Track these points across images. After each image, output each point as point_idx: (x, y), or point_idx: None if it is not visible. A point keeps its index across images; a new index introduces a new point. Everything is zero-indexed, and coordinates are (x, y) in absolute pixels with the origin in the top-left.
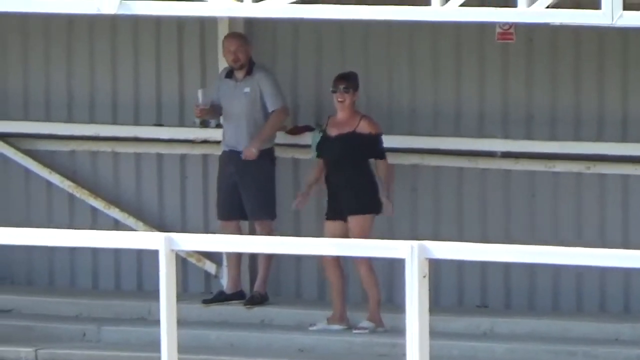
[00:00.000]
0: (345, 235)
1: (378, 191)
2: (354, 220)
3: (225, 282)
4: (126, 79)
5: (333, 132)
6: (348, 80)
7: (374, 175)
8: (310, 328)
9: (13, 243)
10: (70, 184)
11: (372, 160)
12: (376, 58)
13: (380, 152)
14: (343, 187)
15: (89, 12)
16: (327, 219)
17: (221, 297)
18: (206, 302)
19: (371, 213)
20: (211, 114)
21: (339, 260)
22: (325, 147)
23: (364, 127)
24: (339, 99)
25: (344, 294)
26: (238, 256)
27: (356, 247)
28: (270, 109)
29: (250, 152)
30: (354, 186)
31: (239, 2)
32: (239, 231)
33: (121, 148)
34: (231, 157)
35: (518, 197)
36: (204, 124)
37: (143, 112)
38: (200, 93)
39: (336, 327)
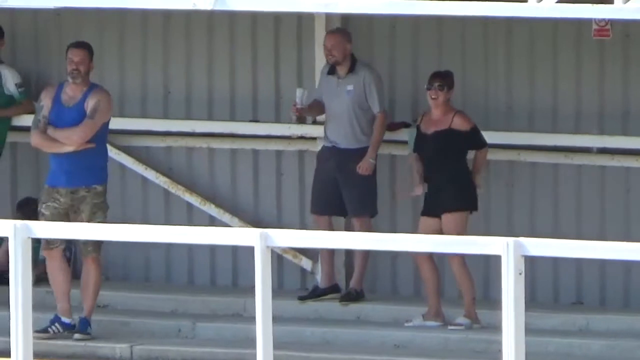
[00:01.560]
0: (440, 232)
1: (475, 188)
2: (449, 217)
3: (319, 278)
4: (222, 74)
5: (429, 129)
6: (443, 78)
7: (469, 172)
8: (406, 324)
9: (109, 239)
10: (166, 180)
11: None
12: (473, 54)
13: (482, 143)
14: (440, 184)
15: (185, 8)
16: (423, 214)
17: (316, 293)
18: (302, 298)
19: (466, 210)
20: (309, 112)
21: (432, 257)
22: (421, 144)
23: (458, 124)
24: (433, 96)
25: (438, 290)
26: (331, 252)
27: (452, 244)
28: (375, 110)
29: (368, 164)
30: (450, 183)
31: None
32: (331, 226)
33: (217, 144)
34: (332, 153)
35: (613, 193)
36: (301, 120)
37: (239, 108)
38: (298, 92)
39: (432, 323)
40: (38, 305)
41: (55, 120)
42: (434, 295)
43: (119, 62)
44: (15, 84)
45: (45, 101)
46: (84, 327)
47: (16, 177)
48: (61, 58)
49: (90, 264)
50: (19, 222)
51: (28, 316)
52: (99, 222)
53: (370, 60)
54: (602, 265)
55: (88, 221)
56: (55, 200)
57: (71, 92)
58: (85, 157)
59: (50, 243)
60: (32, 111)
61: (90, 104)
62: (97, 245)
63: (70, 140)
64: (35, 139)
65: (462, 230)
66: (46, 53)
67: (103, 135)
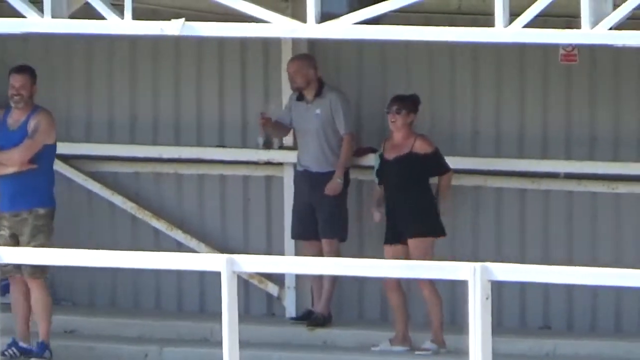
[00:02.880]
0: (406, 258)
1: (438, 213)
2: (415, 243)
3: (289, 305)
4: (189, 100)
5: (391, 154)
6: (401, 101)
7: (433, 197)
8: (373, 349)
9: (76, 264)
10: (133, 205)
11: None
12: (439, 80)
13: (444, 167)
14: (403, 209)
15: (153, 34)
16: (387, 243)
17: (319, 321)
18: (310, 326)
19: (432, 236)
20: (273, 130)
21: (399, 282)
22: (384, 170)
23: (419, 147)
24: (392, 120)
25: (405, 315)
26: (318, 277)
27: (419, 269)
28: (342, 132)
29: (336, 184)
30: (414, 208)
31: (302, 23)
32: (320, 251)
33: (184, 170)
34: (305, 177)
35: (580, 218)
36: (267, 145)
37: (206, 133)
38: (270, 102)
39: (399, 348)
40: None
41: (1, 143)
42: (402, 321)
43: (85, 87)
44: None
45: None
46: (41, 351)
47: None
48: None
49: (35, 287)
50: None
51: None
52: (38, 245)
53: (338, 86)
54: (570, 289)
55: (27, 244)
56: (2, 227)
57: (16, 116)
58: (28, 179)
59: (5, 271)
60: None
61: (31, 125)
62: (41, 268)
63: (12, 161)
64: None
65: (428, 256)
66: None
67: (48, 158)
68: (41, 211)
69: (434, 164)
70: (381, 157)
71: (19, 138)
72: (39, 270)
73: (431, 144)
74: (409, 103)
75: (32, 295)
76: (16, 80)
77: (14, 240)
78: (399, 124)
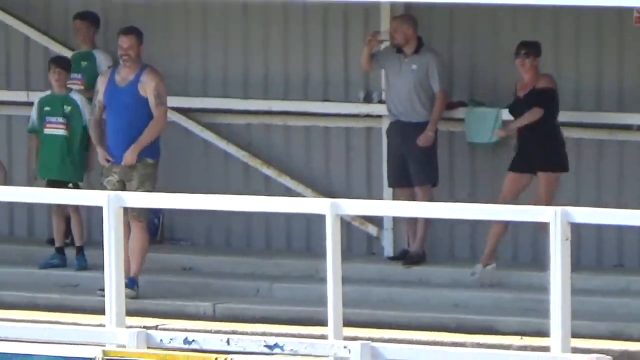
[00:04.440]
0: (526, 187)
1: (564, 149)
2: (544, 177)
3: (387, 245)
4: (297, 59)
5: (521, 93)
6: (528, 47)
7: (560, 133)
8: (471, 277)
9: (194, 208)
10: (245, 154)
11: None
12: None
13: (542, 102)
14: (533, 143)
15: None
16: (512, 170)
17: (414, 259)
18: (406, 264)
19: (560, 172)
20: (369, 54)
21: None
22: (516, 107)
23: (541, 83)
24: (521, 63)
25: (499, 238)
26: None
27: (503, 212)
28: (435, 89)
29: (429, 137)
30: (542, 143)
31: None
32: (412, 197)
33: (292, 121)
34: (396, 127)
35: None
36: (367, 100)
37: (312, 89)
38: (381, 32)
39: (492, 266)
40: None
41: (109, 100)
42: (493, 239)
43: (202, 45)
44: (108, 67)
45: (100, 86)
46: (131, 284)
47: None
48: (147, 43)
49: (137, 228)
50: (112, 193)
51: (120, 278)
52: (145, 191)
53: (430, 44)
54: None
55: (136, 189)
56: (111, 173)
57: (124, 74)
58: (138, 134)
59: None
60: None
61: (149, 90)
62: (145, 213)
63: (159, 127)
64: (90, 126)
65: (555, 191)
66: None
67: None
68: (149, 161)
69: (541, 97)
70: (515, 96)
71: (127, 94)
72: (143, 214)
73: (552, 81)
74: (533, 48)
75: (135, 237)
76: (124, 42)
77: (121, 186)
78: (527, 66)
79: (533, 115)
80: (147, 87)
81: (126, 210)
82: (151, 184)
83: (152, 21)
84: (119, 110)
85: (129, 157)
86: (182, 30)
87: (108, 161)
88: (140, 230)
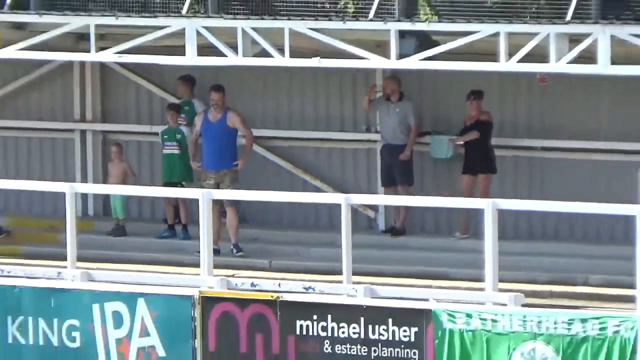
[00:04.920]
0: (475, 184)
1: (495, 160)
2: (483, 177)
3: (380, 222)
4: (322, 103)
5: (468, 122)
6: (475, 93)
7: (492, 150)
8: (453, 239)
9: (259, 199)
10: (289, 164)
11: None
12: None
13: (480, 128)
14: (475, 155)
15: (311, 65)
16: (464, 172)
17: (396, 231)
18: (394, 235)
19: (492, 174)
20: (369, 100)
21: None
22: (464, 132)
23: (483, 117)
24: (469, 104)
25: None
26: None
27: (450, 202)
28: (411, 124)
29: (407, 155)
30: (482, 155)
31: (387, 59)
32: (395, 192)
33: (319, 144)
34: (386, 148)
35: None
36: (368, 130)
37: (332, 123)
38: (375, 86)
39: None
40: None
41: (205, 131)
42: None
43: (261, 95)
44: (202, 110)
45: (197, 122)
46: (237, 249)
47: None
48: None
49: (230, 211)
50: (205, 190)
51: (210, 244)
52: (234, 188)
53: (408, 95)
54: None
55: (228, 187)
56: (208, 178)
57: (214, 114)
58: (228, 150)
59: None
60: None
61: (237, 122)
62: (235, 201)
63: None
64: (189, 144)
65: (489, 186)
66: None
67: (235, 137)
68: (234, 169)
69: (486, 126)
70: (465, 125)
71: (218, 127)
72: (235, 202)
73: (490, 116)
74: (479, 94)
75: (229, 215)
76: (214, 95)
77: (215, 186)
78: (474, 106)
79: (471, 135)
80: (235, 121)
81: (219, 201)
82: (237, 184)
83: (227, 77)
84: (212, 137)
85: (242, 163)
86: (247, 84)
87: (199, 169)
88: (232, 212)
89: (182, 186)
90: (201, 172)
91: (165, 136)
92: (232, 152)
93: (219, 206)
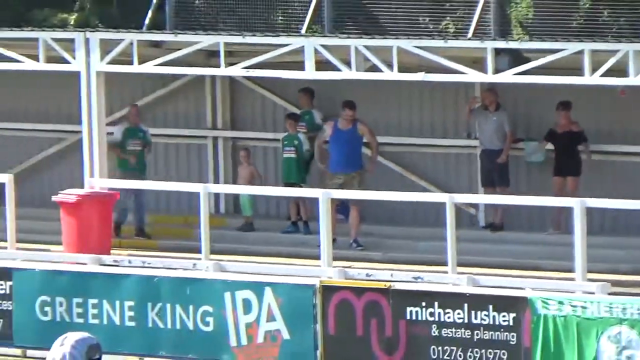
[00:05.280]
0: (564, 185)
1: (581, 164)
2: (571, 179)
3: (480, 218)
4: (428, 113)
5: (558, 130)
6: (563, 104)
7: (580, 156)
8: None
9: (376, 198)
10: (399, 167)
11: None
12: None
13: (581, 139)
14: (566, 160)
15: (415, 79)
16: (555, 175)
17: (495, 227)
18: (493, 230)
19: (578, 176)
20: (470, 110)
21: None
22: (550, 136)
23: (574, 127)
24: (559, 114)
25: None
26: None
27: (538, 201)
28: (507, 129)
29: (504, 159)
30: (572, 160)
31: (484, 74)
32: (495, 193)
33: (425, 149)
34: (485, 153)
35: None
36: (469, 136)
37: (437, 130)
38: (476, 99)
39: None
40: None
41: (335, 137)
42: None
43: (375, 106)
44: (321, 119)
45: (327, 129)
46: (356, 243)
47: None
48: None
49: (354, 210)
50: (324, 190)
51: (329, 238)
52: (362, 189)
53: (505, 104)
54: None
55: (357, 188)
56: (337, 178)
57: (344, 124)
58: (356, 154)
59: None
60: None
61: (365, 132)
62: (360, 201)
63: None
64: (316, 147)
65: (577, 187)
66: (338, 104)
67: (361, 144)
68: (361, 170)
69: (579, 136)
70: (551, 130)
71: (348, 135)
72: (359, 202)
73: (579, 126)
74: (567, 105)
75: (351, 214)
76: (349, 112)
77: (341, 187)
78: (563, 115)
79: (587, 145)
80: (364, 131)
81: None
82: (364, 185)
83: (341, 89)
84: (343, 143)
85: (371, 168)
86: (360, 96)
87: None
88: (356, 211)
89: (301, 186)
90: (326, 174)
91: (285, 142)
92: (358, 157)
93: (335, 204)
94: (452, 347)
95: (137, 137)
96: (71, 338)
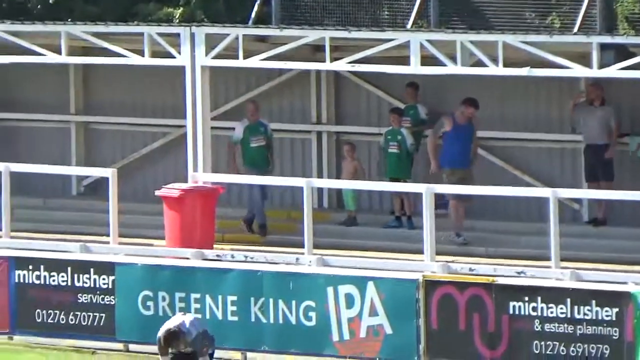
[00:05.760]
0: None
1: None
2: None
3: (585, 214)
4: (536, 107)
5: None
6: None
7: None
8: None
9: (482, 194)
10: (500, 160)
11: None
12: None
13: None
14: None
15: (518, 74)
16: None
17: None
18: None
19: None
20: (574, 106)
21: None
22: None
23: None
24: None
25: None
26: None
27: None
28: (612, 125)
29: (612, 152)
30: None
31: (589, 69)
32: (599, 187)
33: (532, 144)
34: (590, 148)
35: None
36: (574, 131)
37: (544, 125)
38: (580, 94)
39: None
40: None
41: (455, 134)
42: None
43: (486, 101)
44: (426, 114)
45: (447, 125)
46: (459, 236)
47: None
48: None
49: (453, 206)
50: (426, 185)
51: (433, 234)
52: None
53: (610, 99)
54: None
55: (473, 183)
56: (455, 173)
57: (463, 119)
58: (469, 151)
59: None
60: (428, 128)
61: (476, 128)
62: (466, 196)
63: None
64: (430, 141)
65: None
66: (444, 98)
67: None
68: (472, 167)
69: None
70: None
71: (465, 131)
72: (466, 198)
73: None
74: None
75: (451, 208)
76: (472, 110)
77: (458, 181)
78: None
79: None
80: (476, 127)
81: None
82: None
83: (446, 84)
84: (462, 139)
85: (476, 163)
86: (464, 90)
87: (440, 168)
88: (455, 205)
89: (405, 181)
90: (437, 168)
91: (389, 137)
92: (470, 153)
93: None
94: (554, 342)
95: (259, 133)
96: (192, 316)
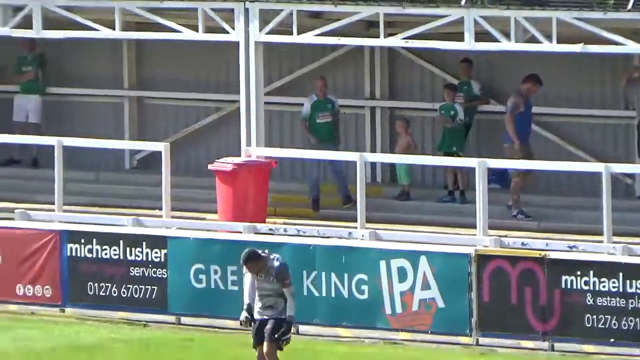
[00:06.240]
0: None
1: None
2: None
3: (638, 188)
4: (590, 84)
5: None
6: None
7: None
8: None
9: (535, 168)
10: (554, 136)
11: None
12: None
13: None
14: None
15: (571, 51)
16: None
17: None
18: None
19: None
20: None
21: None
22: None
23: None
24: None
25: None
26: None
27: None
28: None
29: None
30: None
31: None
32: None
33: (586, 120)
34: None
35: None
36: (626, 107)
37: (597, 101)
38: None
39: None
40: None
41: (527, 112)
42: None
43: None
44: (479, 90)
45: (521, 103)
46: (522, 213)
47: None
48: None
49: (514, 183)
50: (478, 160)
51: (486, 208)
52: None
53: None
54: None
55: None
56: (523, 149)
57: (526, 96)
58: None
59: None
60: (481, 103)
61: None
62: (520, 172)
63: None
64: (509, 120)
65: None
66: (498, 74)
67: None
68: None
69: None
70: None
71: (529, 106)
72: (520, 174)
73: None
74: None
75: (512, 185)
76: (536, 86)
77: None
78: None
79: None
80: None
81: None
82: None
83: (500, 61)
84: (530, 116)
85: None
86: (518, 67)
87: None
88: (515, 182)
89: (459, 156)
90: (518, 145)
91: (442, 112)
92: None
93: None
94: (606, 316)
95: (326, 109)
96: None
